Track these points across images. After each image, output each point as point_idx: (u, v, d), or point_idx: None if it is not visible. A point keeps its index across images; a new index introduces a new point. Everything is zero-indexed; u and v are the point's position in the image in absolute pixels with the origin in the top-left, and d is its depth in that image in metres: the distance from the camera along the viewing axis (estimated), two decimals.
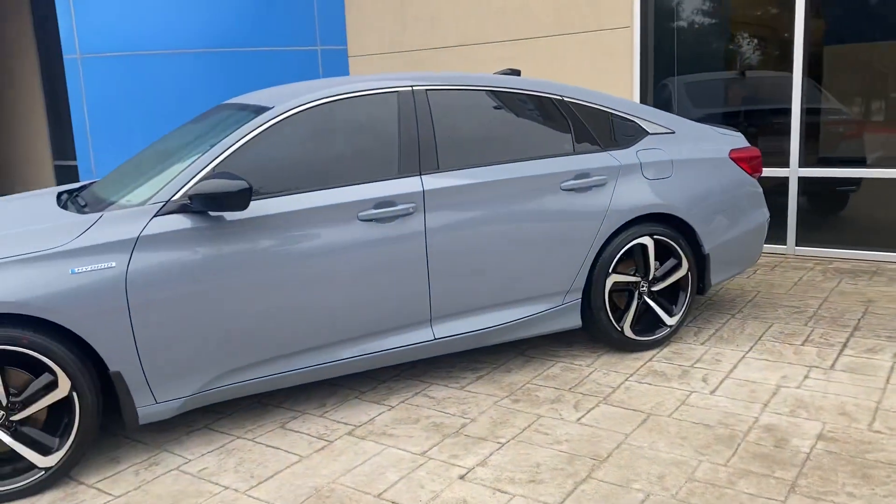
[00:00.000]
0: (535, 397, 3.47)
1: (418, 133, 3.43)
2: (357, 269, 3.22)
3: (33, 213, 3.09)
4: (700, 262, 4.08)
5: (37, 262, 2.73)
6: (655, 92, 6.46)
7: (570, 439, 3.04)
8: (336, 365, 3.29)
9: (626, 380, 3.61)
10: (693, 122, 4.26)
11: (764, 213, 4.34)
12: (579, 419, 3.22)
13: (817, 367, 3.65)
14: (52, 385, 2.76)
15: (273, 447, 3.10)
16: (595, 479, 2.73)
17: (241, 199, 2.89)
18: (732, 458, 2.82)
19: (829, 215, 5.80)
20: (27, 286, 2.68)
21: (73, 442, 2.81)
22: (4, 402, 2.72)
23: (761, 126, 5.95)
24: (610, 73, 6.47)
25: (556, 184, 3.63)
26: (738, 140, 4.31)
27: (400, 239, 3.28)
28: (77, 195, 3.52)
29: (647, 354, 3.93)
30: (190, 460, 3.03)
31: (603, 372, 3.73)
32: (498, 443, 3.04)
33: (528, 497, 2.63)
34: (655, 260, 3.96)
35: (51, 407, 2.83)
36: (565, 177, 3.65)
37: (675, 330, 4.04)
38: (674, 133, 4.07)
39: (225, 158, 3.09)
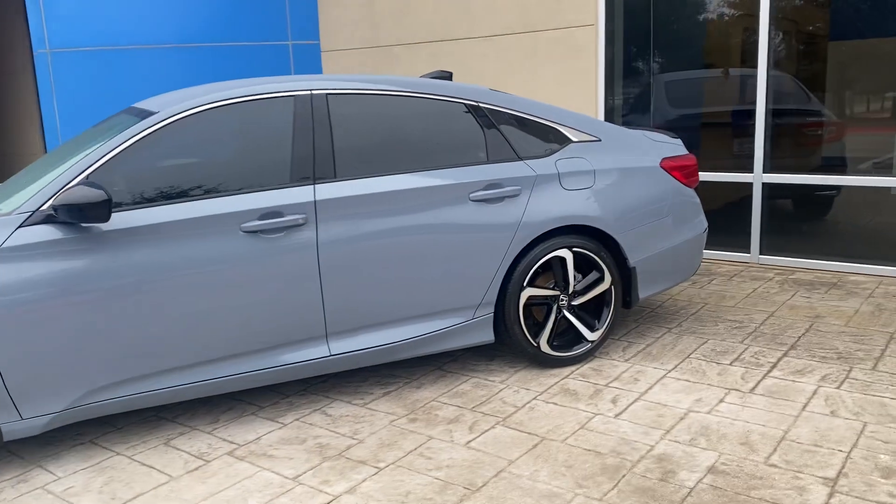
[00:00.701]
0: (434, 416, 3.33)
1: (314, 140, 3.30)
2: (241, 283, 3.11)
3: None
4: (625, 276, 3.91)
5: None
6: (625, 91, 6.26)
7: (452, 465, 2.91)
8: (226, 381, 3.19)
9: (534, 399, 3.46)
10: (624, 130, 4.08)
11: (700, 224, 4.16)
12: (468, 442, 3.08)
13: (737, 389, 3.48)
14: None
15: (148, 466, 3.01)
16: None
17: (101, 210, 2.78)
18: (611, 492, 2.67)
19: (797, 223, 5.58)
20: None
21: None
22: None
23: (735, 127, 5.73)
24: (574, 72, 6.28)
25: (464, 194, 3.48)
26: (673, 148, 4.12)
27: (288, 252, 3.16)
28: None
29: (566, 371, 3.77)
30: (59, 478, 2.94)
31: (514, 389, 3.58)
32: (376, 468, 2.92)
33: None
34: (577, 273, 3.80)
35: None
36: (474, 187, 3.50)
37: (598, 345, 3.87)
38: (599, 141, 3.89)
39: (100, 166, 2.98)
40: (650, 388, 3.54)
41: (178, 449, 3.14)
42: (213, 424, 3.35)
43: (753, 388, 3.48)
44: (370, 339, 3.41)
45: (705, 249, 5.92)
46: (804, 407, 3.27)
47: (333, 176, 3.30)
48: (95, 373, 2.95)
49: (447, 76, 4.24)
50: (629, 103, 6.28)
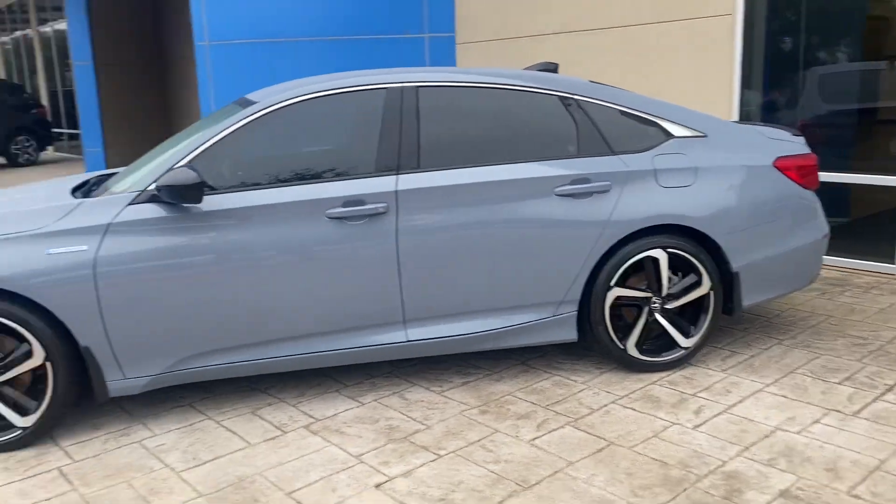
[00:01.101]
0: (506, 410, 3.33)
1: (401, 131, 3.37)
2: (324, 267, 3.25)
3: (45, 196, 3.40)
4: (728, 281, 3.68)
5: (19, 242, 3.02)
6: (770, 86, 5.86)
7: (511, 460, 2.89)
8: (306, 358, 3.35)
9: (613, 402, 3.36)
10: (735, 125, 3.84)
11: (818, 229, 3.83)
12: (533, 440, 3.05)
13: (838, 411, 3.19)
14: (30, 354, 3.05)
15: (231, 432, 3.23)
16: None
17: (195, 193, 3.01)
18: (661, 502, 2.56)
19: None
20: (8, 263, 2.97)
21: (46, 407, 3.09)
22: None
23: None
24: (708, 65, 5.96)
25: (549, 188, 3.42)
26: (791, 146, 3.82)
27: (369, 239, 3.26)
28: (103, 181, 3.83)
29: (654, 377, 3.62)
30: (155, 435, 3.23)
31: (594, 391, 3.49)
32: (436, 454, 2.96)
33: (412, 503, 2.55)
34: (673, 275, 3.63)
35: (34, 373, 3.13)
36: (560, 181, 3.44)
37: (693, 353, 3.69)
38: (705, 137, 3.69)
39: (201, 152, 3.22)
40: (741, 401, 3.32)
41: (262, 418, 3.34)
42: (298, 398, 3.53)
43: (858, 412, 3.18)
44: (448, 328, 3.45)
45: (843, 258, 5.44)
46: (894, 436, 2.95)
47: (417, 166, 3.36)
48: (189, 342, 3.20)
49: (552, 68, 4.17)
50: (772, 99, 5.87)
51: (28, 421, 3.09)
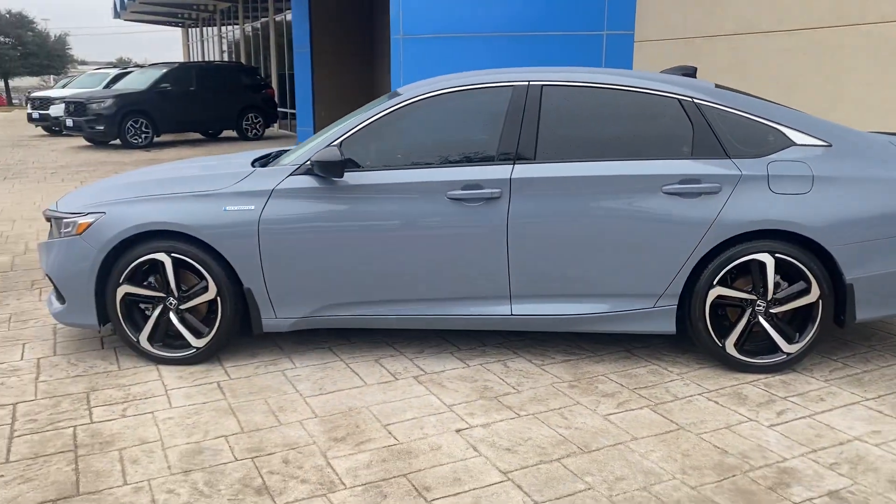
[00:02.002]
0: (594, 388, 3.61)
1: (522, 124, 3.74)
2: (442, 241, 3.71)
3: (229, 164, 4.17)
4: (841, 292, 3.67)
5: (204, 199, 3.78)
6: None
7: (581, 428, 3.20)
8: (419, 318, 3.85)
9: (699, 394, 3.53)
10: (867, 136, 3.78)
11: None
12: (609, 415, 3.32)
13: None
14: (206, 289, 3.81)
15: (354, 372, 3.81)
16: (559, 463, 2.91)
17: (337, 169, 3.60)
18: (709, 485, 2.75)
19: None
20: (193, 215, 3.74)
21: (215, 333, 3.85)
22: (176, 294, 3.85)
23: None
24: (888, 73, 5.67)
25: (657, 186, 3.63)
26: None
27: (483, 219, 3.67)
28: (280, 155, 4.56)
29: (751, 377, 3.72)
30: (295, 367, 3.89)
31: (685, 382, 3.67)
32: (517, 414, 3.33)
33: (487, 459, 2.94)
34: (784, 281, 3.69)
35: (209, 306, 3.90)
36: (668, 180, 3.63)
37: (796, 359, 3.72)
38: (829, 147, 3.68)
39: (350, 135, 3.81)
40: (830, 410, 3.36)
41: (382, 366, 3.89)
42: (416, 354, 4.05)
43: None
44: (550, 307, 3.78)
45: None
46: None
47: (533, 158, 3.71)
48: (327, 294, 3.82)
49: (691, 72, 4.32)
50: None
51: (201, 343, 3.87)
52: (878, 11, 5.68)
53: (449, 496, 2.70)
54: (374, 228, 3.73)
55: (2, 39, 58.32)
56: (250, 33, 24.83)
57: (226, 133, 18.46)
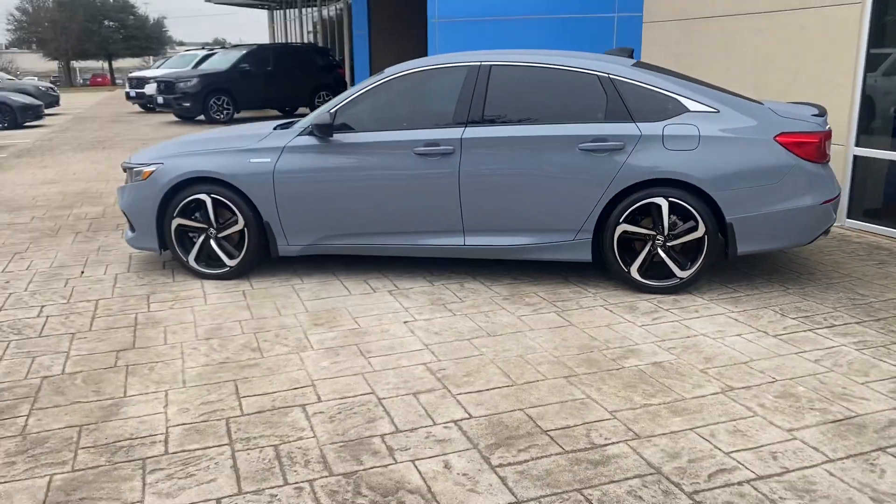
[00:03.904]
0: (522, 300, 4.67)
1: (472, 96, 4.80)
2: (410, 187, 4.82)
3: (258, 128, 5.39)
4: (724, 230, 4.58)
5: (236, 154, 5.02)
6: (890, 71, 6.17)
7: (495, 323, 4.28)
8: (394, 247, 4.98)
9: (601, 305, 4.54)
10: (750, 105, 4.64)
11: (816, 196, 4.52)
12: (522, 316, 4.38)
13: (764, 332, 4.06)
14: (236, 222, 5.05)
15: (344, 286, 4.99)
16: (468, 341, 4.00)
17: (327, 131, 4.76)
18: (567, 356, 3.79)
19: None
20: (227, 166, 4.99)
21: (243, 255, 5.10)
22: (215, 225, 5.11)
23: None
24: (834, 51, 6.38)
25: (574, 144, 4.63)
26: (802, 124, 4.54)
27: (440, 170, 4.76)
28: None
29: (651, 296, 4.69)
30: (302, 283, 5.10)
31: (594, 298, 4.68)
32: (453, 314, 4.44)
33: (418, 338, 4.07)
34: (679, 220, 4.63)
35: (241, 234, 5.14)
36: (583, 140, 4.62)
37: (688, 283, 4.67)
38: (717, 112, 4.58)
39: (342, 105, 4.96)
40: (697, 318, 4.31)
41: (367, 283, 5.05)
42: (397, 277, 5.19)
43: (778, 334, 4.03)
44: (494, 240, 4.85)
45: None
46: (786, 350, 3.78)
47: (480, 122, 4.77)
48: (325, 227, 4.99)
49: (628, 52, 5.26)
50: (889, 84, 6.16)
51: (233, 262, 5.12)
52: None
53: (381, 356, 3.85)
54: (359, 177, 4.88)
55: (107, 24, 62.26)
56: (327, 16, 26.30)
57: (301, 110, 19.96)
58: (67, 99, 32.37)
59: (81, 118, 21.28)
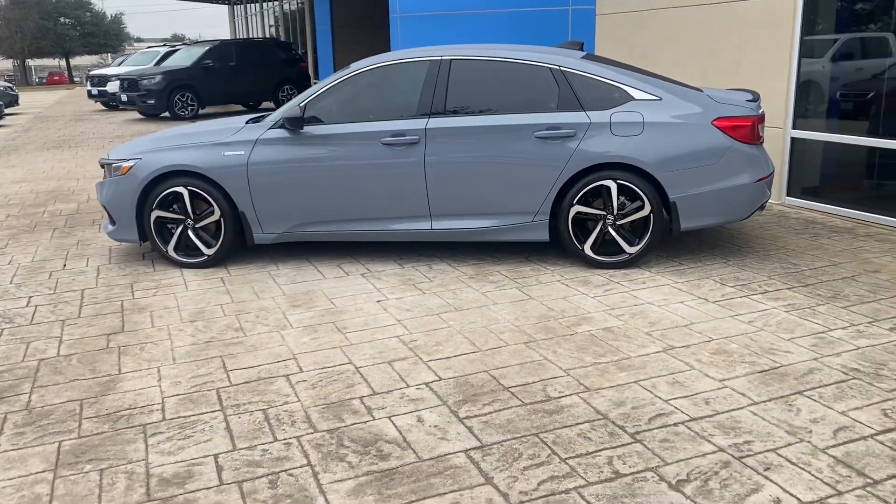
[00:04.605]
0: (485, 278, 5.03)
1: (434, 89, 5.13)
2: (379, 175, 5.14)
3: (231, 123, 5.66)
4: (668, 208, 4.99)
5: (210, 147, 5.29)
6: (818, 56, 6.63)
7: (461, 298, 4.63)
8: (365, 233, 5.30)
9: (557, 281, 4.91)
10: (689, 92, 5.04)
11: (750, 175, 4.94)
12: (485, 292, 4.74)
13: (704, 298, 4.47)
14: (210, 213, 5.33)
15: (318, 271, 5.29)
16: (437, 316, 4.35)
17: (297, 123, 5.06)
18: (527, 324, 4.15)
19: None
20: (202, 159, 5.25)
21: (220, 244, 5.37)
22: (192, 216, 5.37)
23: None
24: (771, 41, 6.83)
25: (530, 132, 4.98)
26: (736, 109, 4.95)
27: (407, 158, 5.09)
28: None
29: (603, 271, 5.08)
30: (278, 269, 5.39)
31: (552, 275, 5.05)
32: (422, 292, 4.78)
33: (390, 314, 4.40)
34: (627, 201, 5.02)
35: (216, 224, 5.41)
36: (538, 128, 4.98)
37: (637, 258, 5.06)
38: (660, 100, 4.98)
39: (312, 98, 5.25)
40: (644, 288, 4.71)
41: (340, 268, 5.37)
42: (369, 261, 5.51)
43: (717, 301, 4.44)
44: (459, 223, 5.19)
45: (866, 212, 6.19)
46: (731, 313, 4.19)
47: (442, 113, 5.10)
48: (297, 215, 5.29)
49: (579, 45, 5.64)
50: (818, 68, 6.63)
51: (211, 251, 5.39)
52: None
53: (357, 331, 4.17)
54: (329, 168, 5.18)
55: (63, 21, 61.19)
56: (288, 10, 26.35)
57: (266, 104, 20.08)
58: (26, 98, 31.95)
59: (43, 117, 21.14)
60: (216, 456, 2.93)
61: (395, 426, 3.11)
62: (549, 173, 5.00)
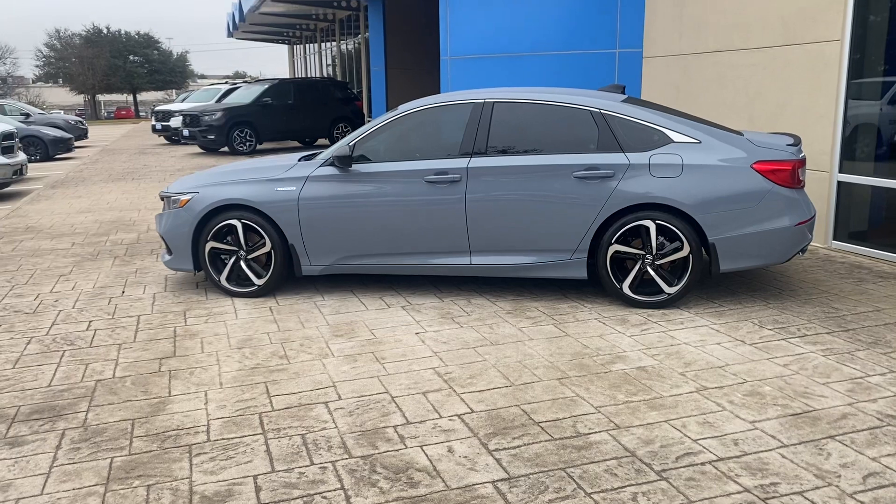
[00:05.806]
0: (523, 314, 5.12)
1: (477, 130, 5.31)
2: (421, 211, 5.32)
3: (285, 160, 5.92)
4: (708, 250, 5.02)
5: (263, 183, 5.55)
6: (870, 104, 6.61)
7: (498, 333, 4.73)
8: (409, 266, 5.46)
9: (595, 318, 4.98)
10: (729, 135, 5.10)
11: (790, 219, 4.95)
12: (522, 328, 4.83)
13: (741, 341, 4.48)
14: (262, 245, 5.57)
15: (362, 303, 5.47)
16: (473, 350, 4.46)
17: (346, 162, 5.28)
18: (562, 361, 4.23)
19: None
20: (256, 194, 5.51)
21: (270, 274, 5.60)
22: (244, 248, 5.62)
23: None
24: (819, 84, 6.83)
25: (569, 172, 5.11)
26: (777, 153, 4.99)
27: (449, 195, 5.26)
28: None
29: (644, 311, 5.12)
30: (324, 300, 5.58)
31: (590, 312, 5.12)
32: (460, 326, 4.90)
33: (428, 346, 4.53)
34: (666, 241, 5.08)
35: (267, 256, 5.65)
36: (577, 168, 5.10)
37: (676, 298, 5.10)
38: (699, 143, 5.05)
39: (361, 137, 5.48)
40: (682, 329, 4.74)
41: (382, 300, 5.53)
42: (410, 294, 5.66)
43: (754, 343, 4.44)
44: (498, 259, 5.32)
45: None
46: (759, 356, 4.19)
47: (484, 153, 5.27)
48: (344, 248, 5.49)
49: (621, 88, 5.76)
50: (868, 111, 6.60)
51: (261, 281, 5.62)
52: (815, 33, 6.84)
53: (395, 361, 4.31)
54: (375, 204, 5.38)
55: (132, 58, 63.96)
56: (345, 50, 27.14)
57: (320, 141, 20.65)
58: (94, 131, 33.44)
59: (109, 150, 22.11)
60: (255, 477, 3.08)
61: (427, 455, 3.22)
62: (588, 212, 5.10)
